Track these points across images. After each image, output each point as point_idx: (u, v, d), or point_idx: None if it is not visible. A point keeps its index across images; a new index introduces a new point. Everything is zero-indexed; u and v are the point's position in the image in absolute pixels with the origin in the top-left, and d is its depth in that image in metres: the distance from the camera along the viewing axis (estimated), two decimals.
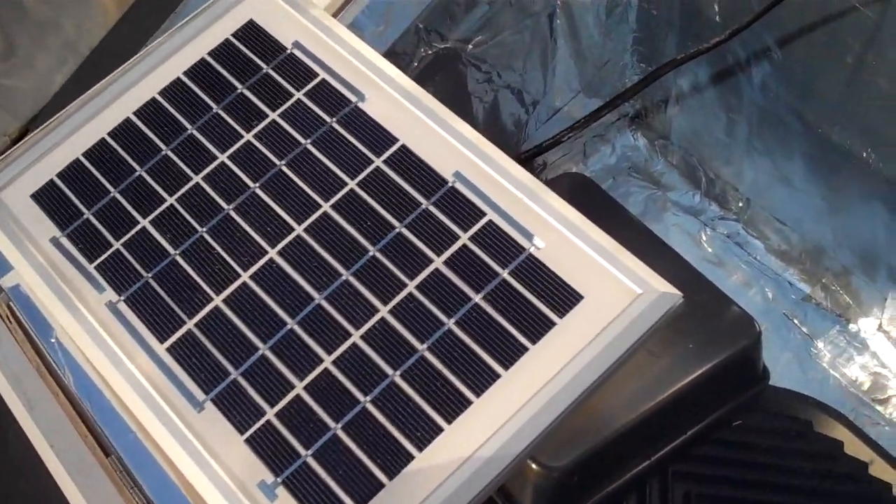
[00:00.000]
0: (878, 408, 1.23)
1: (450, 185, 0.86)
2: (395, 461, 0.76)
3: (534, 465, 0.93)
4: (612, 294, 0.80)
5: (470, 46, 1.15)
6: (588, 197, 1.22)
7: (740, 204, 1.35)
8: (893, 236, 1.17)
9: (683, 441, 1.09)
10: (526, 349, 0.78)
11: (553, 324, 0.79)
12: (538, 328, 0.79)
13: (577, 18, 1.24)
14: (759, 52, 1.18)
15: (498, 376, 0.77)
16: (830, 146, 1.17)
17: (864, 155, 1.14)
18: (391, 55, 1.06)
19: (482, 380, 0.78)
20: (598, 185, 1.32)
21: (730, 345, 1.07)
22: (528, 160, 1.23)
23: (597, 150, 1.43)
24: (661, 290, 0.80)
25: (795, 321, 1.29)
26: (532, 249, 0.82)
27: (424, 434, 0.77)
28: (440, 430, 0.77)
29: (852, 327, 1.28)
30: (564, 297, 0.80)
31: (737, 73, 1.23)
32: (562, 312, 0.79)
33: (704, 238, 1.35)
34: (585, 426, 0.98)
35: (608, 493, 1.04)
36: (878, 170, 1.14)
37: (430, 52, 1.11)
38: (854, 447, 1.14)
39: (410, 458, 0.76)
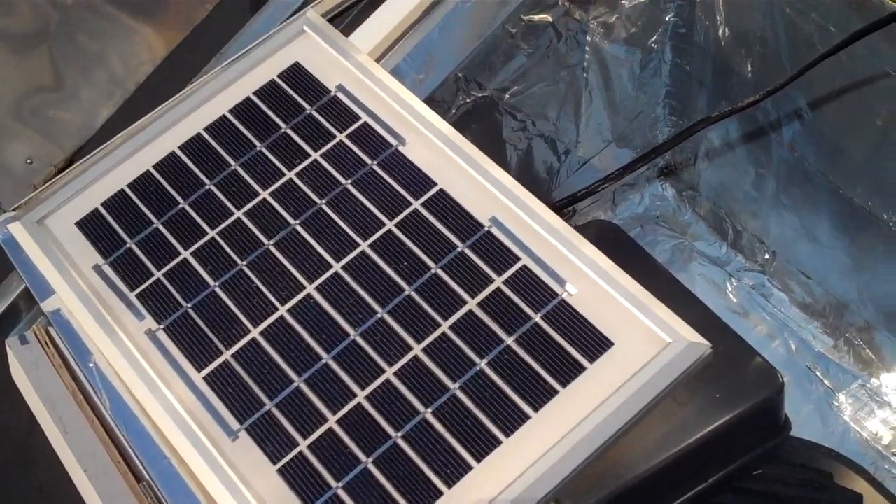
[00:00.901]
0: None
1: (486, 229, 0.88)
2: (424, 497, 0.78)
3: None
4: (642, 342, 0.81)
5: (507, 96, 1.18)
6: (616, 244, 1.24)
7: (766, 256, 1.36)
8: None
9: (704, 489, 1.10)
10: (556, 392, 0.80)
11: (583, 368, 0.80)
12: (568, 372, 0.80)
13: (611, 71, 1.26)
14: (789, 112, 1.20)
15: (528, 417, 0.79)
16: (856, 206, 1.19)
17: (886, 217, 1.16)
18: (430, 102, 1.08)
19: (512, 420, 0.79)
20: (627, 233, 1.34)
21: (753, 395, 1.08)
22: (561, 208, 1.25)
23: (626, 198, 1.45)
24: (690, 340, 0.81)
25: (817, 374, 1.30)
26: (564, 295, 0.84)
27: (454, 471, 0.78)
28: (469, 467, 0.78)
29: (874, 382, 1.29)
30: (595, 343, 0.81)
31: (767, 130, 1.25)
32: (592, 358, 0.81)
33: (730, 289, 1.37)
34: (608, 470, 0.99)
35: None
36: None
37: (468, 100, 1.14)
38: (873, 501, 1.15)
39: (439, 494, 0.78)
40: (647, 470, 1.01)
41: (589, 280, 0.84)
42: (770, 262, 1.36)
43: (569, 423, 0.78)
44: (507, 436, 0.79)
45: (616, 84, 1.29)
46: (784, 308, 1.35)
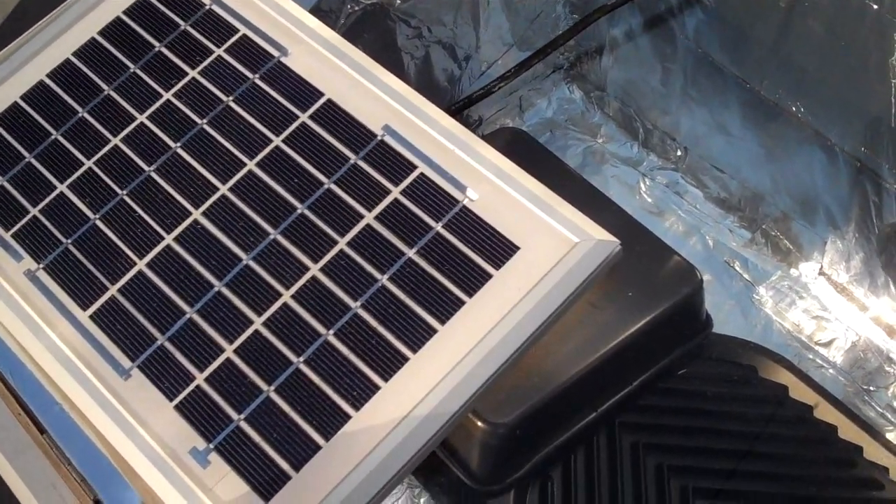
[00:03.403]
0: (822, 351, 1.23)
1: (379, 138, 0.83)
2: (332, 422, 0.74)
3: (479, 423, 0.92)
4: (549, 244, 0.78)
5: (398, 2, 1.12)
6: (525, 151, 1.20)
7: (678, 153, 1.33)
8: (830, 181, 1.16)
9: (629, 392, 1.09)
10: (462, 303, 0.76)
11: (489, 276, 0.77)
12: (474, 281, 0.77)
13: None
14: (691, 0, 1.17)
15: (434, 331, 0.76)
16: (763, 96, 1.16)
17: (795, 109, 1.13)
18: (316, 13, 1.02)
19: (418, 336, 0.76)
20: (536, 139, 1.30)
21: (672, 294, 1.07)
22: (458, 112, 1.20)
23: (533, 104, 1.41)
24: (597, 238, 0.78)
25: (736, 268, 1.28)
26: (466, 201, 0.80)
27: (361, 393, 0.75)
28: (377, 388, 0.75)
29: (793, 272, 1.27)
30: (500, 249, 0.78)
31: (670, 22, 1.21)
32: (498, 264, 0.77)
33: (644, 188, 1.34)
34: (530, 381, 0.97)
35: (556, 446, 1.03)
36: (808, 122, 1.13)
37: (356, 8, 1.08)
38: (799, 391, 1.14)
39: (347, 417, 0.74)
40: (570, 378, 0.99)
41: (490, 184, 0.80)
42: (682, 158, 1.33)
43: (478, 333, 0.75)
44: (415, 352, 0.75)
45: None
46: (699, 204, 1.32)
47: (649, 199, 1.33)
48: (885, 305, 1.21)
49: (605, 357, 1.01)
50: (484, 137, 1.26)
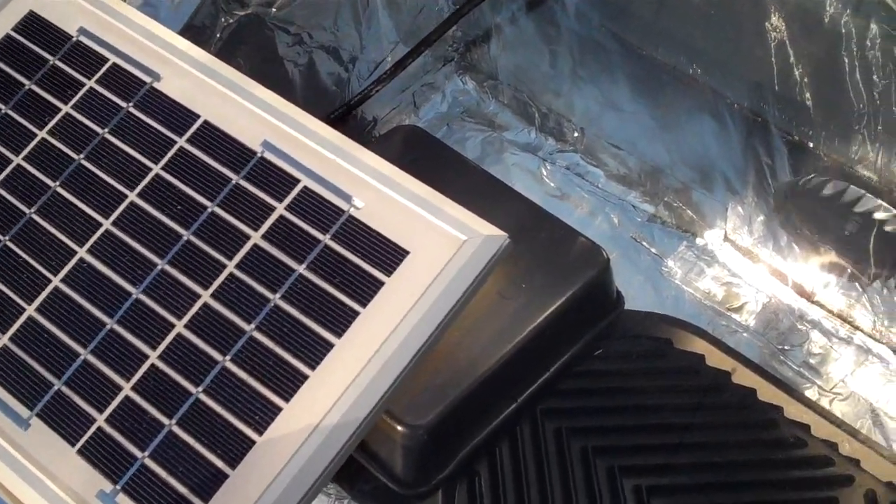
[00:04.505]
0: (734, 316, 1.24)
1: (259, 155, 0.82)
2: (237, 449, 0.73)
3: (398, 427, 0.91)
4: (438, 245, 0.78)
5: (273, 10, 1.11)
6: (423, 148, 1.20)
7: (575, 134, 1.34)
8: (724, 147, 1.18)
9: (548, 379, 1.09)
10: (357, 313, 0.76)
11: (381, 283, 0.76)
12: (367, 290, 0.76)
13: None
14: None
15: (331, 346, 0.75)
16: (653, 65, 1.17)
17: (691, 71, 1.14)
18: (191, 30, 1.01)
19: (316, 352, 0.75)
20: (432, 135, 1.30)
21: (580, 276, 1.07)
22: (340, 119, 1.19)
23: (427, 99, 1.40)
24: (485, 234, 0.78)
25: (644, 243, 1.29)
26: (351, 210, 0.79)
27: (263, 417, 0.74)
28: (279, 409, 0.74)
29: (699, 241, 1.28)
30: (390, 255, 0.77)
31: (551, 3, 1.21)
32: (389, 271, 0.77)
33: (545, 173, 1.34)
34: (445, 379, 0.97)
35: (479, 441, 1.03)
36: (705, 82, 1.14)
37: (231, 21, 1.07)
38: (715, 358, 1.15)
39: (251, 443, 0.73)
40: (486, 371, 0.98)
41: (375, 190, 0.80)
42: (580, 139, 1.33)
43: (375, 342, 0.74)
44: (314, 368, 0.75)
45: None
46: (601, 183, 1.33)
47: (552, 184, 1.34)
48: (790, 265, 1.23)
49: (520, 346, 1.02)
50: (379, 138, 1.26)
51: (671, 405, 1.11)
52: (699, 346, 1.18)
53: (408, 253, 0.77)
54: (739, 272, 1.26)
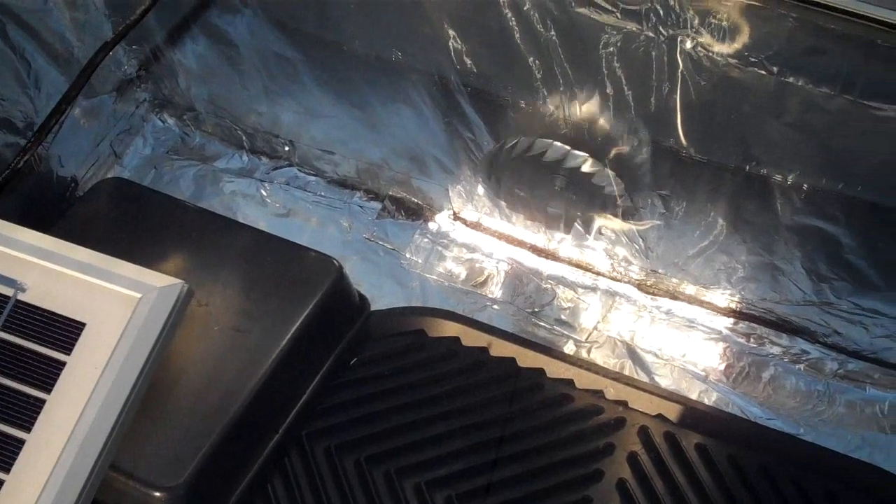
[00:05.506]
0: (480, 291, 1.24)
1: None
2: None
3: (155, 493, 0.88)
4: (114, 309, 0.74)
5: None
6: (130, 199, 1.16)
7: (286, 148, 1.31)
8: (426, 132, 1.18)
9: (307, 401, 1.07)
10: (43, 402, 0.71)
11: (63, 364, 0.72)
12: (49, 375, 0.72)
13: (33, 25, 1.14)
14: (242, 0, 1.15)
15: (22, 443, 0.70)
16: (339, 66, 1.16)
17: (394, 58, 1.13)
18: None
19: (7, 454, 0.70)
20: (138, 184, 1.25)
21: (314, 291, 1.05)
22: (6, 186, 1.11)
23: (127, 146, 1.34)
24: (159, 287, 0.75)
25: (379, 241, 1.27)
26: (18, 295, 0.75)
27: None
28: None
29: (431, 226, 1.28)
30: (66, 332, 0.73)
31: (221, 24, 1.18)
32: (68, 349, 0.73)
33: (265, 194, 1.31)
34: (194, 431, 0.93)
35: (248, 483, 1.00)
36: (398, 68, 1.13)
37: None
38: (470, 337, 1.16)
39: None
40: (238, 411, 0.97)
41: (40, 268, 0.75)
42: (292, 152, 1.31)
43: (67, 426, 0.70)
44: (8, 472, 0.69)
45: (50, 36, 1.17)
46: (323, 191, 1.31)
47: (275, 203, 1.31)
48: (520, 229, 1.25)
49: (268, 376, 0.99)
50: (80, 199, 1.20)
51: (434, 395, 1.10)
52: (452, 329, 1.18)
53: (84, 325, 0.73)
54: (476, 247, 1.27)
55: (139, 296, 0.74)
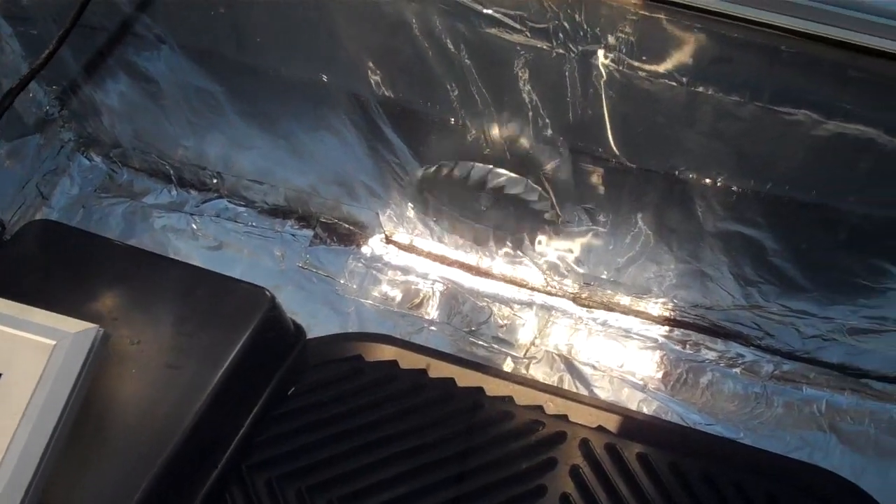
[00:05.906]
0: (417, 313, 1.24)
1: None
2: None
3: None
4: (28, 357, 0.73)
5: None
6: (58, 241, 1.14)
7: (215, 180, 1.30)
8: (351, 157, 1.17)
9: (245, 434, 1.06)
10: None
11: None
12: None
13: None
14: (158, 36, 1.14)
15: None
16: (257, 97, 1.15)
17: (323, 78, 1.12)
18: None
19: None
20: (65, 224, 1.24)
21: (246, 322, 1.04)
22: None
23: (54, 186, 1.33)
24: (74, 332, 0.74)
25: (312, 269, 1.27)
26: None
27: None
28: None
29: (365, 251, 1.28)
30: None
31: (139, 61, 1.17)
32: None
33: (196, 227, 1.30)
34: (130, 470, 0.92)
35: None
36: (334, 83, 1.12)
37: None
38: (408, 360, 1.15)
39: None
40: (174, 448, 0.95)
41: None
42: (220, 183, 1.30)
43: None
44: None
45: None
46: (255, 221, 1.30)
47: (207, 236, 1.30)
48: (451, 249, 1.25)
49: (203, 410, 0.98)
50: (7, 243, 1.19)
51: (374, 420, 1.10)
52: (390, 353, 1.17)
53: (0, 375, 0.72)
54: (410, 269, 1.26)
55: (53, 343, 0.73)
